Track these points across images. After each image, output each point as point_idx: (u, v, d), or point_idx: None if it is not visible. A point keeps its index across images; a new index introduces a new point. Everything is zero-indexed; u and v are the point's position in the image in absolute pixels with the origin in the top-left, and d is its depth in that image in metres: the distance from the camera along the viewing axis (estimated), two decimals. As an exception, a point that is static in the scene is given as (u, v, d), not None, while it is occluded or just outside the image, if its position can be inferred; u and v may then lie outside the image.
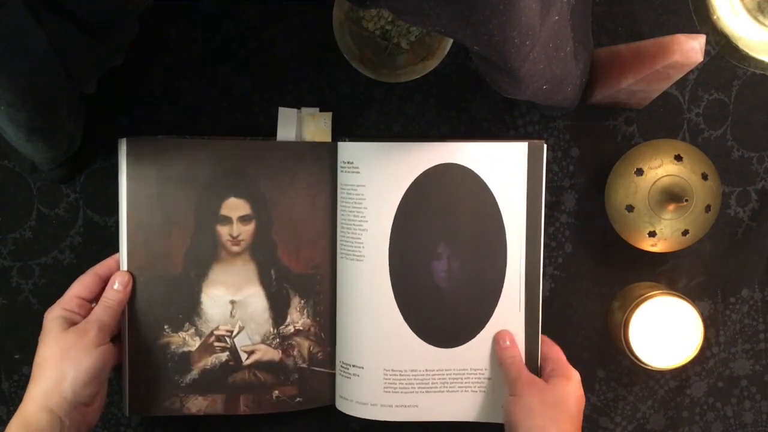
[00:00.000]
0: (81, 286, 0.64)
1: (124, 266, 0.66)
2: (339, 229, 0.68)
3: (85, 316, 0.63)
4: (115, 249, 0.70)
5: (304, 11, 0.69)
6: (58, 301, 0.64)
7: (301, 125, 0.69)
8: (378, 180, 0.66)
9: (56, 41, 0.46)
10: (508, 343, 0.67)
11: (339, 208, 0.68)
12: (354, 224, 0.67)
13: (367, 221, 0.67)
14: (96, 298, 0.65)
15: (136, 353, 0.66)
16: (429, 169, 0.66)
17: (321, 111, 0.70)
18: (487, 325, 0.68)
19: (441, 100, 0.71)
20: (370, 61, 0.69)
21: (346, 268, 0.68)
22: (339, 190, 0.68)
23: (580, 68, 0.64)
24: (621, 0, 0.71)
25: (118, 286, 0.64)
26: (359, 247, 0.67)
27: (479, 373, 0.68)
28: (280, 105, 0.70)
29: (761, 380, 0.75)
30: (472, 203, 0.67)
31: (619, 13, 0.71)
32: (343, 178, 0.68)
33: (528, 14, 0.47)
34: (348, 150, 0.67)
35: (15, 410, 0.71)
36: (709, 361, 0.74)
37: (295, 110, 0.69)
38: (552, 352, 0.67)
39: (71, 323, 0.62)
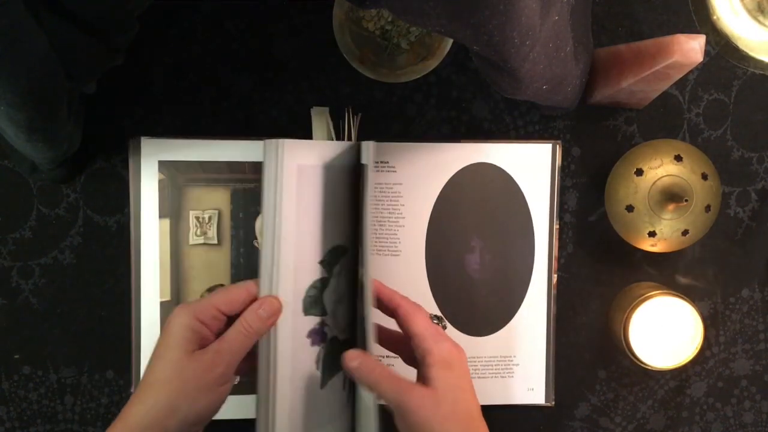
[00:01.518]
0: (226, 299, 0.53)
1: (279, 291, 0.54)
2: (369, 226, 0.69)
3: (215, 333, 0.52)
4: (116, 249, 0.70)
5: (304, 11, 0.69)
6: (192, 304, 0.52)
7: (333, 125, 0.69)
8: (415, 178, 0.70)
9: (56, 41, 0.46)
10: (358, 361, 0.54)
11: (369, 205, 0.69)
12: (390, 221, 0.70)
13: (404, 218, 0.70)
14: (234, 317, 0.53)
15: None
16: (464, 167, 0.70)
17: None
18: (517, 314, 0.71)
19: (441, 100, 0.71)
20: (370, 61, 0.69)
21: (380, 263, 0.70)
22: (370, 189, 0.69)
23: (580, 68, 0.64)
24: (621, 0, 0.71)
25: (263, 313, 0.53)
26: (395, 242, 0.70)
27: (508, 360, 0.71)
28: (280, 105, 0.70)
29: (761, 380, 0.75)
30: (503, 199, 0.70)
31: (619, 13, 0.71)
32: (376, 176, 0.70)
33: (528, 14, 0.47)
34: (383, 150, 0.70)
35: (15, 410, 0.71)
36: (709, 361, 0.74)
37: (327, 109, 0.69)
38: (416, 322, 0.55)
39: (199, 339, 0.51)
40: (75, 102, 0.59)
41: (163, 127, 0.70)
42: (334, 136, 0.69)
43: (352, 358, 0.55)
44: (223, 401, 0.52)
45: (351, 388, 0.61)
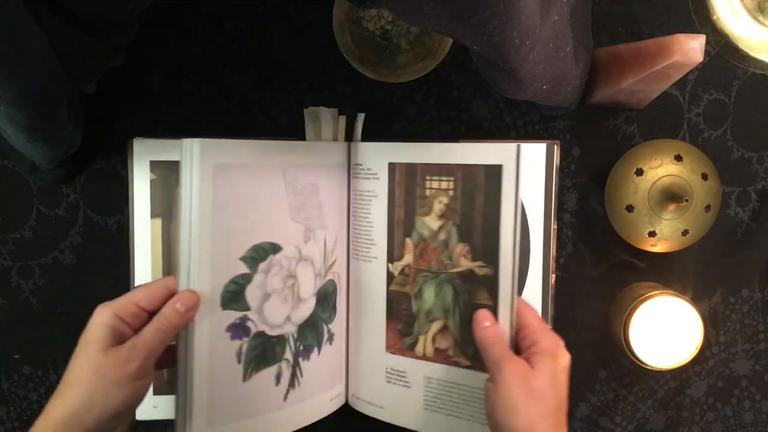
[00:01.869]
0: (145, 296, 0.54)
1: (196, 286, 0.55)
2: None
3: (136, 330, 0.53)
4: (116, 249, 0.70)
5: (304, 11, 0.69)
6: (113, 303, 0.54)
7: (336, 126, 0.69)
8: None
9: (56, 41, 0.46)
10: (487, 323, 0.59)
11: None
12: None
13: None
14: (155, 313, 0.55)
15: None
16: None
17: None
18: None
19: (441, 100, 0.71)
20: (370, 61, 0.69)
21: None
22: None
23: (580, 68, 0.64)
24: (621, 0, 0.71)
25: (180, 307, 0.54)
26: None
27: None
28: (280, 105, 0.70)
29: (761, 380, 0.75)
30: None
31: (619, 13, 0.71)
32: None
33: (528, 14, 0.47)
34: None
35: (15, 410, 0.71)
36: (709, 361, 0.74)
37: (320, 109, 0.69)
38: (528, 315, 0.59)
39: (118, 336, 0.52)
40: (75, 102, 0.59)
41: (163, 127, 0.70)
42: (331, 137, 0.69)
43: (485, 317, 0.59)
44: (142, 396, 0.53)
45: (291, 384, 0.62)
